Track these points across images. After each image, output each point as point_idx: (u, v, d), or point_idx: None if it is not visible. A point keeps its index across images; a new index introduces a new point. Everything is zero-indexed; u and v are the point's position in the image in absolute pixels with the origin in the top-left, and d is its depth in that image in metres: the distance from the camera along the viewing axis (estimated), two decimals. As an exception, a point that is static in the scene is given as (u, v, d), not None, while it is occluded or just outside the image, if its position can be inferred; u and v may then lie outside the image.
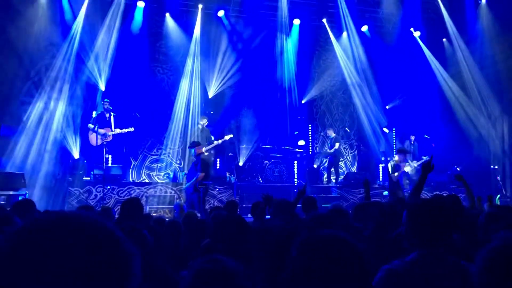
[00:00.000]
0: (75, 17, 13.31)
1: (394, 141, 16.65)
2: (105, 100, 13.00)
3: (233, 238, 3.60)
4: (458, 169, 14.77)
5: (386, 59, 16.00)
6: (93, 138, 12.60)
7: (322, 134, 15.60)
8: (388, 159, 15.98)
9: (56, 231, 0.96)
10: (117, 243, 1.00)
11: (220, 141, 13.66)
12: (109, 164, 12.85)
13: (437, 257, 2.44)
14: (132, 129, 12.74)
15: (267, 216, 7.30)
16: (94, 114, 13.50)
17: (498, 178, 14.75)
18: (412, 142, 15.24)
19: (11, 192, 9.78)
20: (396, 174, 11.75)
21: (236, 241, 3.54)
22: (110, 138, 12.64)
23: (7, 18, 11.55)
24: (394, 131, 16.65)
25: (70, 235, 0.96)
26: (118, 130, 12.70)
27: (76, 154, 12.69)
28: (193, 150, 10.80)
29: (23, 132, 12.02)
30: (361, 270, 1.56)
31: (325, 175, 15.35)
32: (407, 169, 14.86)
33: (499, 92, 15.34)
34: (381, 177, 15.94)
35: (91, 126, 12.68)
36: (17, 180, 10.33)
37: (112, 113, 12.86)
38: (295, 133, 15.54)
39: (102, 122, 12.78)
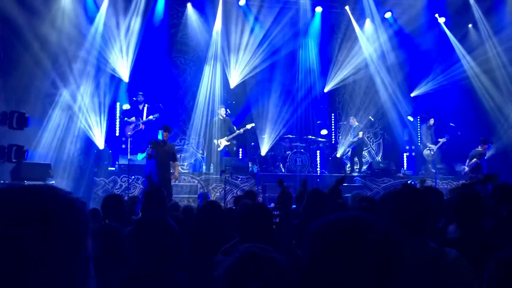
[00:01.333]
0: (97, 9, 13.44)
1: (419, 129, 16.43)
2: (139, 93, 13.33)
3: (260, 225, 3.63)
4: (485, 157, 14.51)
5: (410, 46, 15.77)
6: (127, 129, 12.95)
7: (345, 123, 15.48)
8: (413, 147, 15.84)
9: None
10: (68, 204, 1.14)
11: (242, 130, 13.74)
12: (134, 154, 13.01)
13: (418, 244, 2.48)
14: (157, 115, 13.01)
15: (293, 206, 7.35)
16: (118, 105, 13.69)
17: None
18: (431, 125, 15.09)
19: (38, 182, 10.00)
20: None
21: (263, 229, 3.56)
22: (142, 127, 12.97)
23: (31, 11, 11.73)
24: (418, 119, 16.44)
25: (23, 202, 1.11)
26: (150, 117, 13.01)
27: (101, 145, 12.88)
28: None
29: (49, 124, 12.24)
30: (387, 256, 1.38)
31: (348, 164, 15.27)
32: (426, 152, 14.72)
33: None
34: (405, 166, 15.79)
35: (126, 119, 13.06)
36: (44, 171, 10.58)
37: (146, 104, 13.24)
38: (318, 122, 15.49)
39: (136, 113, 13.18)
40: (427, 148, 15.01)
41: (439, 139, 14.83)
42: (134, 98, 13.44)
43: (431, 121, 15.19)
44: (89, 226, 1.18)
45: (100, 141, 12.90)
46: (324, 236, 1.42)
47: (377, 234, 1.40)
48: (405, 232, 2.49)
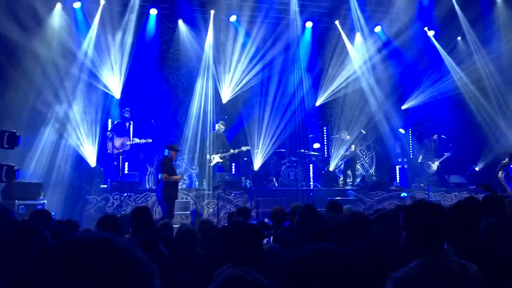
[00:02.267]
0: (89, 26, 13.45)
1: (410, 142, 16.50)
2: (126, 109, 13.21)
3: (247, 245, 3.58)
4: (476, 169, 14.61)
5: (400, 59, 15.90)
6: (110, 146, 12.76)
7: (337, 136, 15.52)
8: (405, 160, 15.87)
9: (81, 254, 1.01)
10: (139, 266, 1.04)
11: (236, 151, 13.74)
12: (126, 172, 12.95)
13: (441, 260, 2.50)
14: (150, 140, 12.89)
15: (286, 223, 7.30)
16: (109, 122, 13.64)
17: None
18: (434, 140, 15.13)
19: (29, 202, 9.91)
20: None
21: (250, 249, 3.52)
22: (128, 148, 12.81)
23: (23, 28, 11.72)
24: (410, 132, 16.52)
25: (94, 259, 1.00)
26: (137, 140, 12.85)
27: (93, 162, 12.81)
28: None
29: (41, 142, 12.17)
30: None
31: (341, 178, 15.28)
32: (433, 166, 14.77)
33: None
34: (398, 179, 15.83)
35: (109, 134, 12.87)
36: (35, 190, 10.48)
37: (131, 122, 13.08)
38: (310, 136, 15.52)
39: (122, 130, 12.98)
40: (432, 162, 15.04)
41: (445, 153, 14.90)
42: (126, 115, 13.36)
43: (435, 136, 15.24)
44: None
45: (91, 159, 12.82)
46: (298, 273, 1.46)
47: (351, 268, 1.46)
48: (426, 245, 2.53)
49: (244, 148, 13.91)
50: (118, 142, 12.77)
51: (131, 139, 12.94)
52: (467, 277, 2.47)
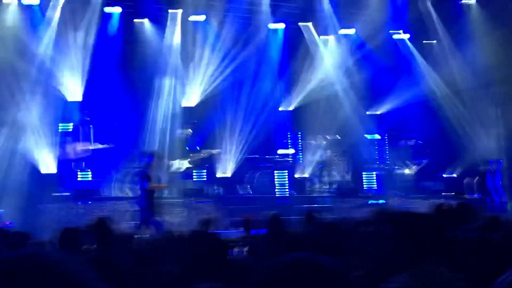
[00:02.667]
0: (48, 24, 13.08)
1: (386, 147, 16.67)
2: (84, 111, 12.84)
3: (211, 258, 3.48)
4: (454, 175, 14.85)
5: (374, 62, 16.03)
6: (71, 152, 12.37)
7: (312, 141, 15.52)
8: (381, 166, 16.00)
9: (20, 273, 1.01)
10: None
11: (206, 154, 13.55)
12: (89, 179, 12.59)
13: (431, 271, 2.47)
14: (111, 145, 12.56)
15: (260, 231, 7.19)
16: (70, 126, 13.27)
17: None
18: (411, 146, 15.24)
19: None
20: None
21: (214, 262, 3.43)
22: (89, 153, 12.43)
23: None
24: (386, 137, 16.69)
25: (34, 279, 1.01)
26: (98, 145, 12.51)
27: (51, 169, 12.39)
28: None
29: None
30: None
31: (316, 185, 15.26)
32: (407, 172, 14.92)
33: (492, 94, 15.49)
34: (373, 185, 15.94)
35: (68, 139, 12.48)
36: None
37: (91, 126, 12.70)
38: (284, 141, 15.47)
39: (82, 135, 12.60)
40: (409, 168, 15.16)
41: (423, 160, 15.05)
42: (87, 118, 12.98)
43: (412, 142, 15.33)
44: None
45: (50, 165, 12.40)
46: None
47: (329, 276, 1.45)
48: (417, 255, 2.51)
49: (214, 151, 13.73)
50: (78, 147, 12.38)
51: (92, 143, 12.56)
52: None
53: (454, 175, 15.04)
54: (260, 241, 6.38)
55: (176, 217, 12.31)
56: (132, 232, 9.14)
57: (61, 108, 12.96)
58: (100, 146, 12.54)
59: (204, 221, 7.67)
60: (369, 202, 13.57)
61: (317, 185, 15.19)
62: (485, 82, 15.35)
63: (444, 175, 15.28)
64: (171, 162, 13.33)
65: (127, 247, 5.56)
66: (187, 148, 13.70)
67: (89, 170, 12.75)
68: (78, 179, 11.78)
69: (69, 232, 5.23)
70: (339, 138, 15.58)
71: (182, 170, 13.40)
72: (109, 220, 5.88)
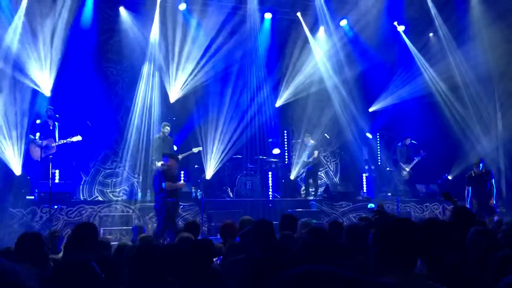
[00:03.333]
0: (15, 11, 12.85)
1: (378, 147, 16.64)
2: (49, 107, 12.57)
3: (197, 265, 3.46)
4: (449, 177, 14.84)
5: (368, 56, 15.96)
6: (34, 151, 12.15)
7: (299, 141, 15.44)
8: (373, 167, 15.99)
9: None
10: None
11: (186, 154, 13.42)
12: (56, 181, 12.40)
13: (411, 281, 2.54)
14: (79, 137, 12.31)
15: (236, 239, 7.10)
16: (37, 122, 13.07)
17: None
18: (407, 145, 15.18)
19: None
20: None
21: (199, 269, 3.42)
22: (53, 150, 12.16)
23: None
24: (378, 136, 16.66)
25: None
26: (63, 141, 12.28)
27: (17, 170, 12.19)
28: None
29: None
30: None
31: (303, 187, 15.21)
32: (403, 173, 14.89)
33: (491, 90, 15.50)
34: (365, 188, 15.90)
35: (31, 137, 12.25)
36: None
37: (56, 122, 12.46)
38: (270, 140, 15.36)
39: (45, 132, 12.32)
40: (403, 169, 15.09)
41: (415, 158, 14.98)
42: (56, 115, 12.74)
43: (408, 141, 15.19)
44: None
45: (16, 166, 12.21)
46: None
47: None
48: (397, 264, 2.57)
49: (195, 150, 13.57)
50: (44, 144, 12.13)
51: (56, 140, 12.30)
52: None
53: (449, 178, 15.03)
54: (235, 248, 6.31)
55: (153, 223, 12.21)
56: (106, 239, 9.06)
57: (28, 104, 12.72)
58: (65, 140, 12.27)
59: (187, 225, 7.50)
60: (368, 206, 13.48)
61: (304, 188, 15.14)
62: (484, 78, 15.35)
63: (450, 177, 15.24)
64: (161, 163, 13.20)
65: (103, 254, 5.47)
66: (174, 147, 13.59)
67: (56, 170, 12.56)
68: (45, 181, 11.55)
69: (28, 237, 5.11)
70: (328, 137, 15.51)
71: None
72: (92, 227, 5.77)
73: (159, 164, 13.13)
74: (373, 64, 15.86)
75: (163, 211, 9.95)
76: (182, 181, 10.82)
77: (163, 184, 9.91)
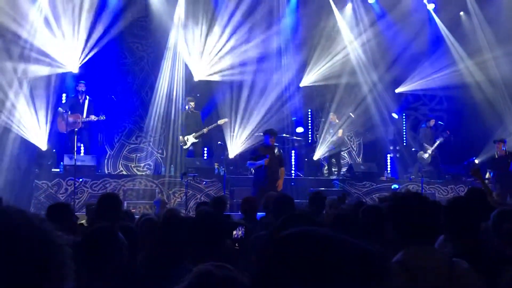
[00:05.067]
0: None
1: (404, 128, 16.54)
2: (81, 82, 12.85)
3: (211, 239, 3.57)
4: (476, 161, 14.68)
5: (396, 35, 15.79)
6: (61, 124, 12.43)
7: (323, 119, 15.44)
8: (398, 148, 15.93)
9: None
10: (42, 235, 1.17)
11: (212, 127, 13.55)
12: (81, 154, 12.69)
13: (425, 256, 2.57)
14: (103, 117, 12.56)
15: (260, 214, 7.22)
16: (64, 97, 13.32)
17: None
18: (431, 126, 15.07)
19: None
20: None
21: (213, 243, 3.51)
22: (80, 125, 12.44)
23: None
24: (404, 117, 16.54)
25: None
26: (91, 117, 12.53)
27: (43, 143, 12.49)
28: None
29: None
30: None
31: (326, 167, 15.25)
32: (425, 155, 14.82)
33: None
34: (389, 169, 15.88)
35: (61, 110, 12.51)
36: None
37: (87, 97, 12.72)
38: (293, 119, 15.40)
39: (75, 106, 12.61)
40: (425, 151, 14.99)
41: (436, 140, 14.87)
42: (82, 89, 12.94)
43: (431, 122, 15.09)
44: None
45: (42, 139, 12.49)
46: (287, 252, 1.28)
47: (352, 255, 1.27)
48: (413, 240, 2.60)
49: (220, 122, 13.70)
50: (70, 119, 12.38)
51: (84, 116, 12.54)
52: (453, 275, 2.53)
53: (476, 161, 14.86)
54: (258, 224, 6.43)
55: (176, 198, 12.45)
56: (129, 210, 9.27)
57: (54, 78, 12.95)
58: (92, 118, 12.54)
59: (214, 201, 7.64)
60: (392, 187, 13.48)
61: (326, 167, 15.18)
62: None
63: (476, 161, 15.06)
64: (187, 137, 13.38)
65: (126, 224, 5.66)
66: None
67: (81, 144, 12.82)
68: (71, 154, 11.83)
69: (57, 208, 5.34)
70: (353, 116, 15.46)
71: (187, 146, 13.46)
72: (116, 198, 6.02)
73: (182, 138, 13.34)
74: (401, 43, 15.67)
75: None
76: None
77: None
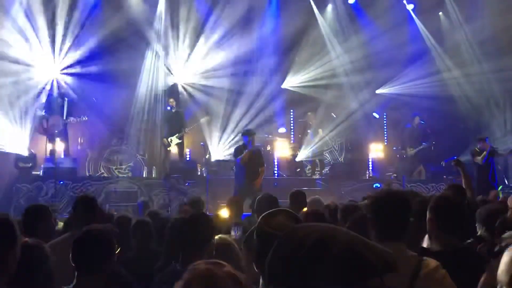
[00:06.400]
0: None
1: (385, 127, 16.69)
2: (59, 84, 12.76)
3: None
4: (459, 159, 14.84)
5: (376, 35, 15.92)
6: (41, 127, 12.32)
7: (304, 120, 15.53)
8: (380, 147, 16.07)
9: None
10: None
11: (193, 126, 13.55)
12: (62, 156, 12.59)
13: (395, 251, 2.49)
14: (85, 118, 12.48)
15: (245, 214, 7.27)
16: (43, 99, 13.21)
17: (499, 167, 14.85)
18: (416, 124, 15.22)
19: None
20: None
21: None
22: (60, 127, 12.33)
23: None
24: (385, 116, 16.70)
25: None
26: (70, 119, 12.43)
27: (24, 148, 12.36)
28: None
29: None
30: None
31: (309, 166, 15.33)
32: (410, 153, 14.99)
33: (501, 70, 15.44)
34: (370, 168, 16.02)
35: (40, 113, 12.41)
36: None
37: (65, 98, 12.62)
38: (275, 120, 15.47)
39: (54, 108, 12.50)
40: (407, 152, 15.14)
41: (423, 143, 15.02)
42: (62, 91, 12.86)
43: (416, 120, 15.24)
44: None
45: (23, 141, 12.38)
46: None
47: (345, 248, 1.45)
48: (382, 236, 2.68)
49: (203, 120, 13.72)
50: (50, 122, 12.27)
51: (64, 117, 12.44)
52: (419, 274, 2.57)
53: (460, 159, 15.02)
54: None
55: (158, 199, 12.41)
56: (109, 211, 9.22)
57: (34, 81, 12.87)
58: (74, 120, 12.45)
59: (191, 202, 7.65)
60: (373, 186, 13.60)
61: (309, 167, 15.26)
62: (494, 58, 15.29)
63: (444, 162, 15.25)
64: (170, 138, 13.33)
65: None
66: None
67: (62, 146, 12.70)
68: (48, 155, 11.77)
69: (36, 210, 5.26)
70: (335, 116, 15.57)
71: (171, 147, 13.43)
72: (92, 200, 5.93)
73: (166, 140, 13.30)
74: (381, 43, 15.78)
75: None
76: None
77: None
